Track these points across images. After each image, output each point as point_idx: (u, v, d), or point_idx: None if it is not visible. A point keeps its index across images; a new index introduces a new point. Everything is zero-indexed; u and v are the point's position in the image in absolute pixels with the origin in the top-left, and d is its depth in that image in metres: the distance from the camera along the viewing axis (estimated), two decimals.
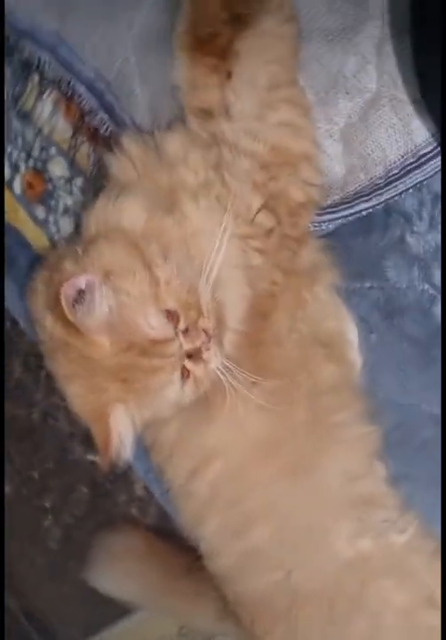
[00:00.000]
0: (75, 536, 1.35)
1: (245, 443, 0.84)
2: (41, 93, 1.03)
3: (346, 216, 0.81)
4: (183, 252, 0.76)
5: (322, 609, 0.82)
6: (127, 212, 0.77)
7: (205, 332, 0.74)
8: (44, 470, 1.36)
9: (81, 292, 0.72)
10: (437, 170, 0.74)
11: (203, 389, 0.78)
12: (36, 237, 1.16)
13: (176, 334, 0.74)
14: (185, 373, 0.76)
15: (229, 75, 0.78)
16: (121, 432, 0.77)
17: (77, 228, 1.07)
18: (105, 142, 0.99)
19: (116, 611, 1.27)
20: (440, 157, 0.74)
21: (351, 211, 0.81)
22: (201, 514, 0.87)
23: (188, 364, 0.75)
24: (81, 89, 0.98)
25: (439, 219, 0.79)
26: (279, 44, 0.77)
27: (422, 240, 0.82)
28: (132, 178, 0.82)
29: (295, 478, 0.84)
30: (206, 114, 0.80)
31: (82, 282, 0.72)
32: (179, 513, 0.92)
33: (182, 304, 0.73)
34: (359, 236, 0.84)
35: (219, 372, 0.76)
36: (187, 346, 0.74)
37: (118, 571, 1.15)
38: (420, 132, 0.76)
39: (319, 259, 0.84)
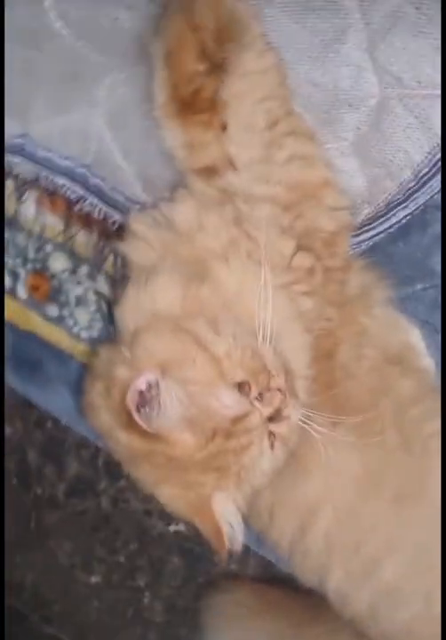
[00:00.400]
0: (178, 605, 1.32)
1: (347, 484, 0.81)
2: (20, 197, 0.98)
3: (386, 229, 0.76)
4: (231, 318, 0.72)
5: None
6: (161, 295, 0.73)
7: (279, 390, 0.70)
8: (130, 552, 1.33)
9: (143, 394, 0.68)
10: None
11: (291, 446, 0.74)
12: (55, 335, 1.11)
13: (252, 404, 0.70)
14: (271, 438, 0.72)
15: (224, 126, 0.73)
16: (228, 520, 0.73)
17: (97, 313, 1.03)
18: (102, 226, 0.94)
19: None
20: None
21: (389, 222, 0.76)
22: (322, 568, 0.84)
23: (272, 427, 0.71)
24: (61, 181, 0.93)
25: None
26: (264, 78, 0.73)
27: None
28: (153, 259, 0.77)
29: (407, 502, 0.80)
30: (210, 172, 0.76)
31: (142, 383, 0.67)
32: (297, 571, 0.88)
33: (249, 372, 0.69)
34: (398, 242, 0.80)
35: (301, 423, 0.73)
36: (267, 411, 0.70)
37: (236, 630, 1.12)
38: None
39: (366, 278, 0.79)
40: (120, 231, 0.93)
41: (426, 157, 0.72)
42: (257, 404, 0.70)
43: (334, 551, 0.82)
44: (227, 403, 0.69)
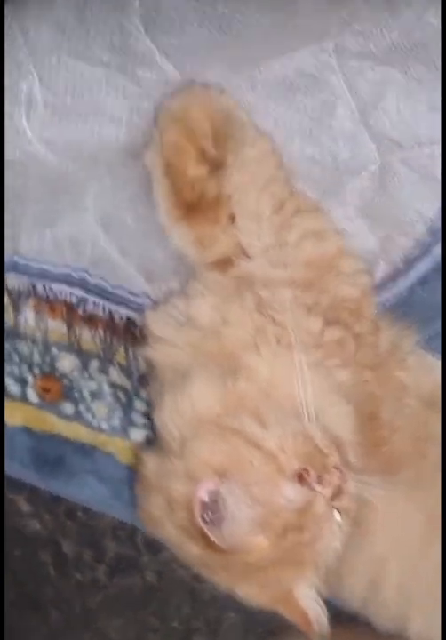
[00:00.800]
0: None
1: (409, 534, 0.81)
2: (16, 308, 0.95)
3: (407, 286, 0.76)
4: (273, 407, 0.70)
5: None
6: (199, 398, 0.71)
7: (336, 468, 0.69)
8: (183, 616, 1.31)
9: (206, 504, 0.66)
10: None
11: (353, 515, 0.73)
12: (74, 431, 1.09)
13: (314, 489, 0.68)
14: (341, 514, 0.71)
15: (232, 218, 0.72)
16: (311, 605, 0.72)
17: (115, 403, 1.01)
18: (107, 322, 0.93)
19: None
20: None
21: (410, 279, 0.76)
22: (401, 617, 0.84)
23: (335, 504, 0.70)
24: (59, 287, 0.90)
25: None
26: (262, 165, 0.71)
27: None
28: (182, 359, 0.76)
29: None
30: (225, 264, 0.74)
31: (204, 495, 0.66)
32: (374, 621, 0.88)
33: (305, 458, 0.68)
34: (417, 289, 0.80)
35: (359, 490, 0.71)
36: (328, 492, 0.68)
37: None
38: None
39: (394, 332, 0.79)
40: (129, 324, 0.91)
41: (438, 212, 0.72)
42: (318, 488, 0.68)
43: (409, 600, 0.82)
44: (291, 496, 0.67)
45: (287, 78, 0.69)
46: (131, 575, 1.26)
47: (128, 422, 1.05)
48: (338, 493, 0.69)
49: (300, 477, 0.68)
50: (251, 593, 0.72)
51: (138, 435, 1.06)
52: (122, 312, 0.90)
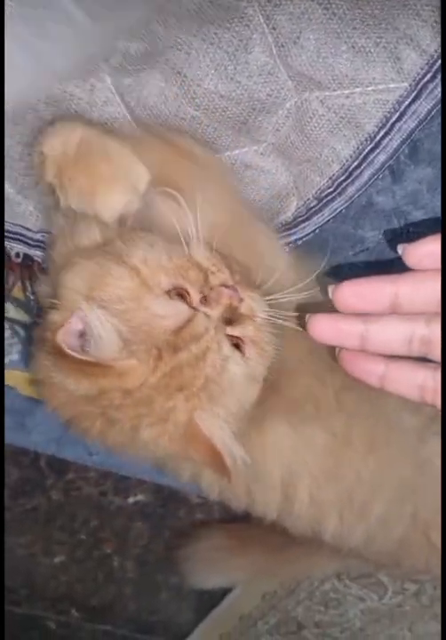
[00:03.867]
0: (149, 558, 1.38)
1: (318, 454, 0.84)
2: None
3: (321, 223, 0.75)
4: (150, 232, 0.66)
5: None
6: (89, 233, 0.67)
7: (225, 285, 0.63)
8: (90, 529, 1.35)
9: (83, 334, 0.61)
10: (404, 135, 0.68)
11: (269, 348, 0.67)
12: None
13: (196, 309, 0.63)
14: (238, 343, 0.64)
15: None
16: (221, 436, 0.65)
17: (13, 337, 0.98)
18: None
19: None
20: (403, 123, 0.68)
21: (323, 217, 0.75)
22: (315, 524, 0.88)
23: (233, 330, 0.64)
24: None
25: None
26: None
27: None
28: None
29: (379, 446, 0.85)
30: None
31: (76, 323, 0.61)
32: (289, 528, 0.93)
33: (176, 274, 0.63)
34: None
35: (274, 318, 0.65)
36: (216, 312, 0.63)
37: (218, 574, 1.20)
38: (369, 119, 0.69)
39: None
40: (26, 260, 0.86)
41: (354, 153, 0.71)
42: (202, 307, 0.63)
43: (324, 509, 0.87)
44: (160, 312, 0.61)
45: (201, 9, 0.63)
46: (36, 496, 1.26)
47: (28, 355, 1.01)
48: (235, 318, 0.64)
49: (178, 294, 0.63)
50: (152, 437, 0.65)
51: None
52: (18, 248, 0.84)
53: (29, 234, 0.84)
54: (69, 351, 0.59)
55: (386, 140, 0.69)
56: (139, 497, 1.24)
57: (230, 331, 0.64)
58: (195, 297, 0.63)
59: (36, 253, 0.85)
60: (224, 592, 1.39)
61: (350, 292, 0.56)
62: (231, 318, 0.63)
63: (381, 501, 0.86)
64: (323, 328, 0.58)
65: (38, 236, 0.84)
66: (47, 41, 0.61)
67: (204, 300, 0.63)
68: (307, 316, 0.60)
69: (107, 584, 1.44)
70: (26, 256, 0.86)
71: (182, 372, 0.62)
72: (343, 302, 0.56)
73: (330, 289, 0.59)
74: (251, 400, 0.68)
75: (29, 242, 0.84)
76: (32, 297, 0.92)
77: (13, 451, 1.19)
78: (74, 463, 1.18)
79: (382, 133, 0.69)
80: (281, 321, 0.66)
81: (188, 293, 0.62)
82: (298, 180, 0.74)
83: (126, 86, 0.68)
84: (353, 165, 0.70)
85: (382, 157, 0.70)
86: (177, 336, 0.61)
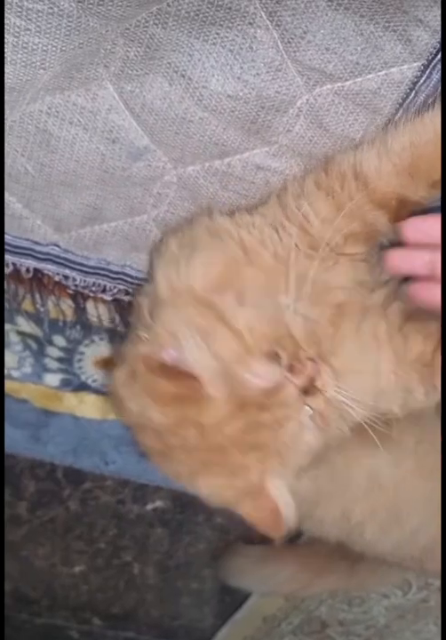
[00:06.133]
0: (169, 564, 1.37)
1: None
2: None
3: None
4: (260, 293, 0.68)
5: None
6: (197, 269, 0.69)
7: (311, 360, 0.66)
8: (109, 537, 1.34)
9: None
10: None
11: (334, 425, 0.70)
12: None
13: (286, 377, 0.66)
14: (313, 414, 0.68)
15: None
16: (282, 498, 0.69)
17: (24, 351, 0.97)
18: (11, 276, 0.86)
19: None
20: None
21: None
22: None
23: (308, 401, 0.67)
24: None
25: None
26: None
27: None
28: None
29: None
30: None
31: (175, 351, 0.64)
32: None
33: (274, 342, 0.66)
34: None
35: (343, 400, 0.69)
36: (299, 382, 0.66)
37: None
38: (385, 103, 0.68)
39: None
40: (36, 274, 0.85)
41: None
42: (289, 376, 0.66)
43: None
44: (258, 372, 0.64)
45: (200, 11, 0.62)
46: (54, 508, 1.25)
47: (41, 368, 1.00)
48: (311, 390, 0.67)
49: (270, 359, 0.65)
50: (217, 484, 0.69)
51: (52, 379, 1.02)
52: (27, 263, 0.83)
53: (38, 248, 0.83)
54: (168, 359, 0.62)
55: (400, 115, 0.68)
56: (158, 503, 1.23)
57: (307, 401, 0.66)
58: (284, 362, 0.65)
59: (47, 267, 0.84)
60: (246, 595, 1.38)
61: (415, 228, 0.63)
62: (308, 390, 0.66)
63: (418, 514, 0.88)
64: (397, 260, 0.65)
65: (48, 249, 0.83)
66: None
67: (291, 368, 0.65)
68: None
69: (128, 591, 1.43)
70: (36, 270, 0.85)
71: (259, 431, 0.65)
72: (412, 235, 0.63)
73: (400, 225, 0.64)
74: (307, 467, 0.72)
75: (39, 256, 0.83)
76: (42, 310, 0.91)
77: (30, 463, 1.19)
78: (90, 473, 1.17)
79: (400, 114, 0.67)
80: (348, 404, 0.68)
81: (279, 357, 0.65)
82: None
83: (129, 92, 0.67)
84: None
85: None
86: (264, 396, 0.64)
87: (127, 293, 0.86)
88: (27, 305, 0.91)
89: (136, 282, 0.85)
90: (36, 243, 0.81)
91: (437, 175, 0.66)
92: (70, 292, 0.86)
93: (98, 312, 0.90)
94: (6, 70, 0.60)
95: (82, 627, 1.54)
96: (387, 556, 0.98)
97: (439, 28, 0.62)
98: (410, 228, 0.64)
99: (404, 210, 0.68)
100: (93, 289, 0.86)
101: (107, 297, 0.86)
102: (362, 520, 0.90)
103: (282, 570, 1.17)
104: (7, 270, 0.84)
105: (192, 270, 0.68)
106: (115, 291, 0.86)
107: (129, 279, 0.86)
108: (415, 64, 0.65)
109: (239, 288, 0.66)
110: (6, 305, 0.91)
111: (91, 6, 0.58)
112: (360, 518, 0.90)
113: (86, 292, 0.86)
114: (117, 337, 0.92)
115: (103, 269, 0.85)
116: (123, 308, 0.89)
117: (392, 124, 0.69)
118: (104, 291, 0.86)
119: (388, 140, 0.67)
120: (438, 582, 1.40)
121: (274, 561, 1.18)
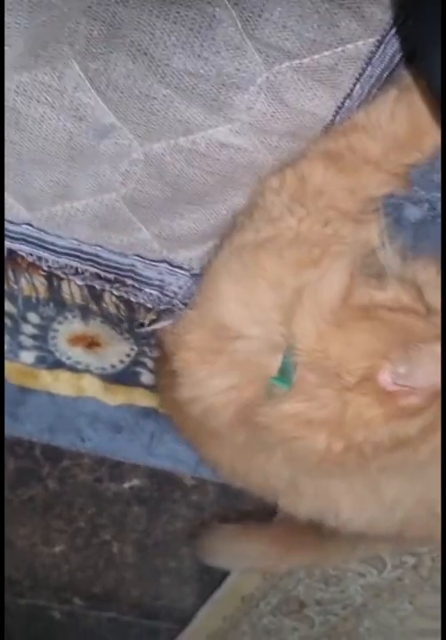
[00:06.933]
0: (147, 543, 1.39)
1: None
2: None
3: None
4: None
5: None
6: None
7: None
8: (88, 516, 1.36)
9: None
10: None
11: None
12: None
13: None
14: None
15: None
16: None
17: None
18: None
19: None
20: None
21: None
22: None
23: None
24: None
25: None
26: None
27: None
28: None
29: None
30: None
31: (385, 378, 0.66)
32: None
33: None
34: None
35: None
36: None
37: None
38: (344, 81, 0.70)
39: None
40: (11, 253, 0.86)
41: (334, 111, 0.72)
42: None
43: None
44: None
45: None
46: (33, 486, 1.27)
47: (17, 346, 1.02)
48: None
49: None
50: None
51: (28, 356, 1.04)
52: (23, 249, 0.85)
53: (12, 227, 0.84)
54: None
55: (358, 90, 0.71)
56: (135, 482, 1.25)
57: None
58: None
59: (21, 247, 0.85)
60: (224, 574, 1.40)
61: None
62: None
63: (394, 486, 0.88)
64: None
65: (22, 229, 0.84)
66: None
67: None
68: None
69: (107, 570, 1.45)
70: (10, 250, 0.86)
71: None
72: None
73: None
74: None
75: (13, 235, 0.84)
76: (15, 287, 0.92)
77: (9, 441, 1.20)
78: (68, 451, 1.19)
79: (358, 88, 0.70)
80: None
81: None
82: (276, 153, 0.75)
83: (94, 70, 0.68)
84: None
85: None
86: None
87: (99, 277, 0.87)
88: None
89: (107, 266, 0.86)
90: (10, 222, 0.83)
91: None
92: (43, 273, 0.88)
93: (71, 290, 0.91)
94: None
95: (63, 607, 1.56)
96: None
97: (390, 5, 0.64)
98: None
99: None
100: (66, 271, 0.87)
101: (79, 281, 0.87)
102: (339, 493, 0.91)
103: (255, 547, 1.19)
104: None
105: None
106: (87, 274, 0.87)
107: (101, 261, 0.87)
108: (370, 39, 0.67)
109: None
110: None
111: None
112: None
113: (59, 273, 0.87)
114: (90, 314, 0.94)
115: (74, 250, 0.86)
116: (98, 297, 0.90)
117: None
118: (76, 273, 0.87)
119: None
120: (412, 560, 1.42)
121: (247, 538, 1.20)
